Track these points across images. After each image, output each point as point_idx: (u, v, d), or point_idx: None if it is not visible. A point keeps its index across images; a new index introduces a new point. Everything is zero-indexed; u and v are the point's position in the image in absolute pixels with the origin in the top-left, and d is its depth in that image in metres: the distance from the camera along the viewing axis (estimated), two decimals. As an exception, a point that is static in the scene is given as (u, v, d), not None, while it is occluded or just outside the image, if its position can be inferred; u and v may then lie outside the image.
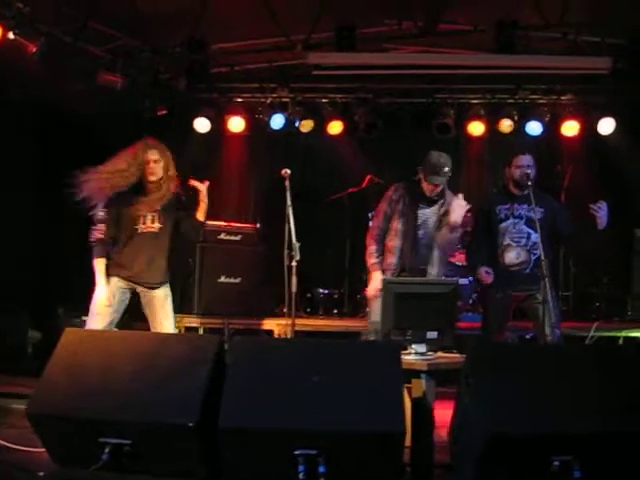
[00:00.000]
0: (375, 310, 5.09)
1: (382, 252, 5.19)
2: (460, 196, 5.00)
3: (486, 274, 5.23)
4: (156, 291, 5.04)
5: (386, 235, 5.19)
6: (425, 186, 5.07)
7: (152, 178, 4.93)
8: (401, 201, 5.14)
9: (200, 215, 5.13)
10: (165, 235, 5.03)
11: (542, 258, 4.88)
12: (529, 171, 5.22)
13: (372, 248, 5.20)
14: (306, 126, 8.56)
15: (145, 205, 4.94)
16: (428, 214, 5.15)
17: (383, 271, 5.14)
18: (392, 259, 5.14)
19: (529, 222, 5.18)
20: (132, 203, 4.93)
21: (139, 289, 5.03)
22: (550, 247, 5.24)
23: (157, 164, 4.92)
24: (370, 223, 5.52)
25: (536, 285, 4.96)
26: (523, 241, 5.22)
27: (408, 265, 5.08)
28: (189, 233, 5.24)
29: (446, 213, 5.07)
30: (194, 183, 5.10)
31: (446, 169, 5.00)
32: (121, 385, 3.62)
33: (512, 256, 5.22)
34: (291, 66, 7.96)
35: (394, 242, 5.15)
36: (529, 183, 5.09)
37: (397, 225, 5.14)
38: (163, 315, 5.04)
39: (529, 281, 5.09)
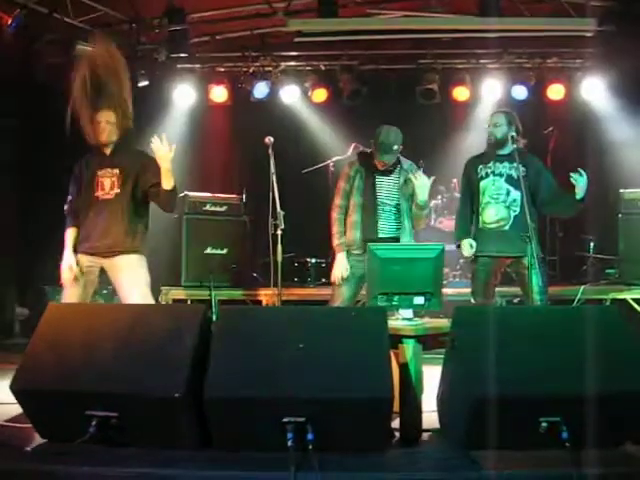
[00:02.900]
0: (337, 298, 5.10)
1: (344, 231, 5.15)
2: (420, 172, 4.98)
3: (468, 247, 5.23)
4: (116, 259, 4.71)
5: (347, 211, 5.16)
6: (376, 161, 5.07)
7: (102, 139, 4.66)
8: (358, 175, 5.13)
9: (165, 183, 4.63)
10: (123, 200, 4.70)
11: (528, 221, 4.82)
12: (489, 128, 5.26)
13: (334, 229, 5.16)
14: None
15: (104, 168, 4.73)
16: (387, 183, 5.12)
17: (348, 251, 5.11)
18: (355, 234, 5.09)
19: (510, 180, 5.14)
20: (92, 167, 4.75)
21: (102, 262, 4.75)
22: (535, 211, 5.19)
23: (108, 125, 4.62)
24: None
25: (520, 249, 4.93)
26: (502, 197, 5.16)
27: (370, 238, 4.93)
28: (160, 204, 4.81)
29: (407, 182, 5.05)
30: (153, 146, 4.59)
31: (395, 147, 4.98)
32: (106, 358, 3.60)
33: (491, 213, 5.18)
34: (273, 34, 7.87)
35: (354, 216, 5.11)
36: (513, 145, 5.04)
37: (356, 199, 5.11)
38: (127, 283, 4.68)
39: (511, 242, 5.04)
